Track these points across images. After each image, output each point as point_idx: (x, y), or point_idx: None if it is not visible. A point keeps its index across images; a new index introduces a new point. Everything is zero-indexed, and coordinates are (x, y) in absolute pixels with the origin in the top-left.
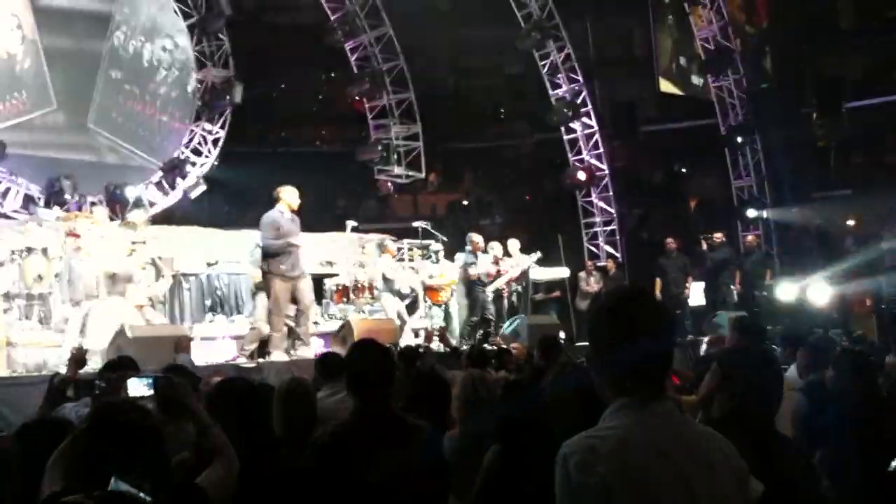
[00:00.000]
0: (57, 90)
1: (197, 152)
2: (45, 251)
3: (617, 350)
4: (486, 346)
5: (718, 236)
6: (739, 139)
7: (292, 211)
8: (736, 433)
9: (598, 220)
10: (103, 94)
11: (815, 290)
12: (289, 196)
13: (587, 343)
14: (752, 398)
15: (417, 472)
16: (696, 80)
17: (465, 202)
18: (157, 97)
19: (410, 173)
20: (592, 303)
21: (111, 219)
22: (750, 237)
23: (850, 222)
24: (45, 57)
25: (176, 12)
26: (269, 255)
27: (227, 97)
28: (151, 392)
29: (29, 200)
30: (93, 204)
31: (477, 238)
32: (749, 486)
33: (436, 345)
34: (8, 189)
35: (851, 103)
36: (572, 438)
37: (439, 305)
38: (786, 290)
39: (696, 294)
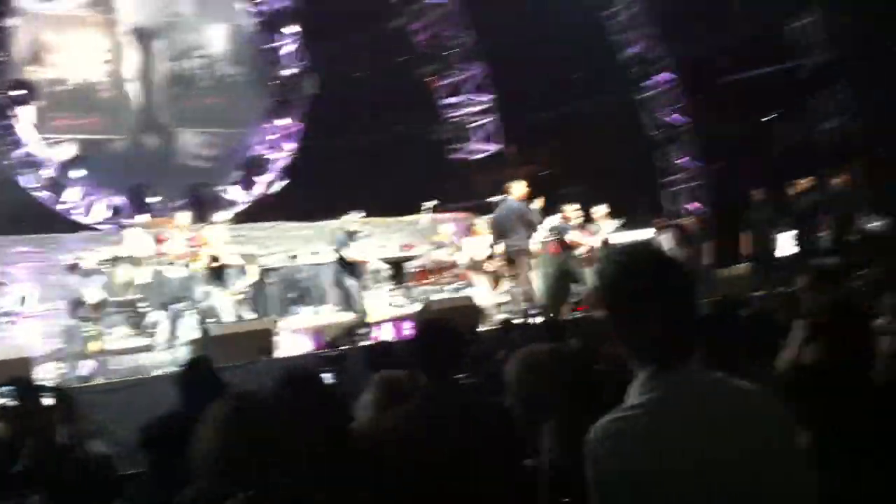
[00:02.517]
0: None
1: (275, 147)
2: (132, 259)
3: (639, 316)
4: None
5: (805, 182)
6: (824, 80)
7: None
8: (825, 384)
9: (680, 176)
10: (183, 98)
11: None
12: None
13: (605, 308)
14: (842, 351)
15: (489, 450)
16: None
17: (547, 173)
18: (233, 94)
19: (486, 147)
20: (607, 266)
21: (194, 221)
22: (838, 180)
23: None
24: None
25: (247, 12)
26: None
27: (302, 90)
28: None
29: (114, 210)
30: (176, 209)
31: (566, 207)
32: (794, 436)
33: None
34: (94, 201)
35: None
36: (599, 422)
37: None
38: (876, 230)
39: (786, 243)
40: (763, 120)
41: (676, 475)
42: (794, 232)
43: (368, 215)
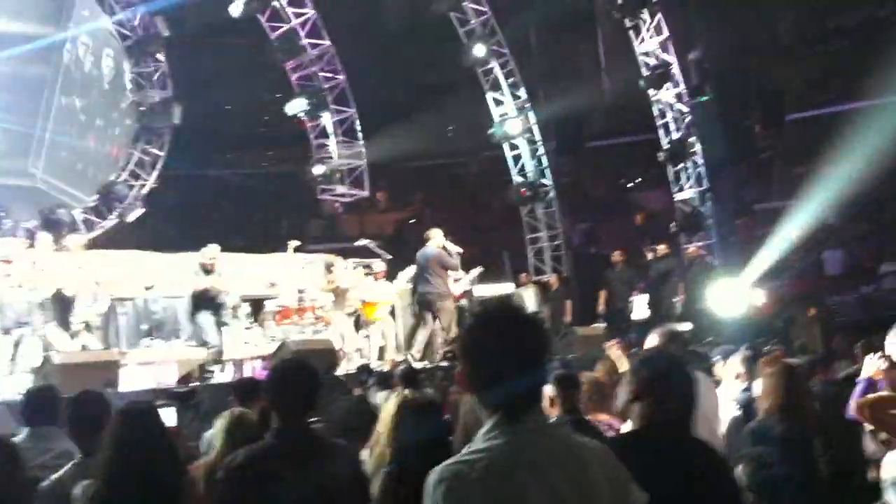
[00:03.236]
0: None
1: (135, 175)
2: None
3: (490, 366)
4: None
5: (662, 248)
6: (680, 152)
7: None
8: (654, 443)
9: (543, 235)
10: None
11: (753, 298)
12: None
13: (461, 360)
14: (668, 406)
15: (336, 490)
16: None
17: (413, 221)
18: (94, 119)
19: (354, 192)
20: (467, 317)
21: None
22: (692, 248)
23: (793, 234)
24: None
25: (112, 34)
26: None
27: (166, 119)
28: None
29: None
30: (28, 230)
31: None
32: (630, 494)
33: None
34: None
35: (792, 115)
36: (441, 464)
37: (374, 323)
38: (726, 301)
39: (641, 306)
40: (628, 185)
41: None
42: (647, 296)
43: (234, 251)
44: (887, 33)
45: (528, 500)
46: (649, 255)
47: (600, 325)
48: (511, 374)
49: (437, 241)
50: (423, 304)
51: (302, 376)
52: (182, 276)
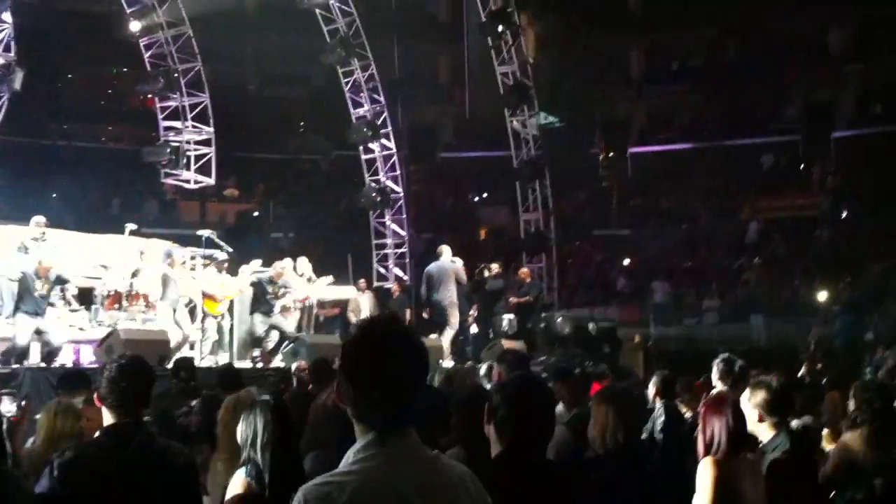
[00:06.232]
0: None
1: None
2: None
3: (365, 382)
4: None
5: (495, 267)
6: (530, 173)
7: None
8: (513, 471)
9: (389, 241)
10: None
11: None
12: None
13: (341, 375)
14: (527, 433)
15: (164, 489)
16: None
17: (256, 213)
18: None
19: (200, 179)
20: (350, 331)
21: None
22: (523, 270)
23: (626, 261)
24: None
25: None
26: None
27: (6, 84)
28: None
29: None
30: None
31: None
32: None
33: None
34: None
35: (634, 148)
36: (310, 483)
37: (215, 317)
38: (560, 323)
39: (475, 322)
40: (475, 199)
41: None
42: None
43: (63, 228)
44: (730, 78)
45: None
46: (486, 273)
47: (437, 337)
48: (389, 395)
49: (448, 255)
50: (440, 311)
51: (137, 376)
52: (6, 248)
